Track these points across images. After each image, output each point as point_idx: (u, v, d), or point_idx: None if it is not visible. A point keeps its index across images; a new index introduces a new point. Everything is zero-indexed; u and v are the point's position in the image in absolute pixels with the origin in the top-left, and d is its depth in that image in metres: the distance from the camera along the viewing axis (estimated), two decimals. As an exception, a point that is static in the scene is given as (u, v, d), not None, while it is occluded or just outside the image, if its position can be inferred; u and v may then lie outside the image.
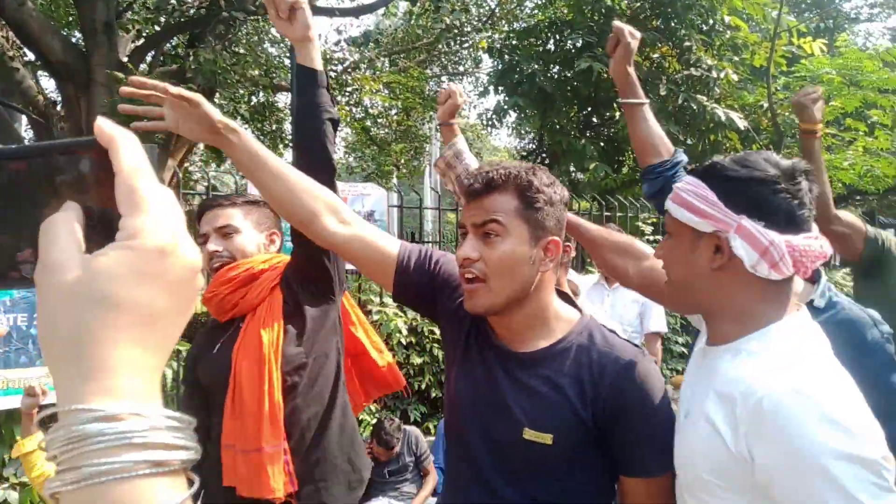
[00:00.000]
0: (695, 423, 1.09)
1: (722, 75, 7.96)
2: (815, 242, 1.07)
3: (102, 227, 0.44)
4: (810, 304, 1.71)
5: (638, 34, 1.70)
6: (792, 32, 8.59)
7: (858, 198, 9.51)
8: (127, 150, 0.44)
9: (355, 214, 1.42)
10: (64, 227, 0.43)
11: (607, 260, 1.55)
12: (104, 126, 0.44)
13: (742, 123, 7.90)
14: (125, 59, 7.33)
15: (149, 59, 8.86)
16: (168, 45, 9.26)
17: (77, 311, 0.41)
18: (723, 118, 7.81)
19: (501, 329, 1.33)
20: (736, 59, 8.80)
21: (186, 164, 9.51)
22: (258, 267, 1.84)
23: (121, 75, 6.81)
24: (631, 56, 1.67)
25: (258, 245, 1.91)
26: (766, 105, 8.59)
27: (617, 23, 1.69)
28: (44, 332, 0.42)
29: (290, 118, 7.35)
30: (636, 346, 1.31)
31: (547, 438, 1.21)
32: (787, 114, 8.73)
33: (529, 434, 1.23)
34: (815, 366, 1.00)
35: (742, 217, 1.06)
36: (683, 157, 1.73)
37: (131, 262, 0.42)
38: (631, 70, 1.70)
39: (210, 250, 1.86)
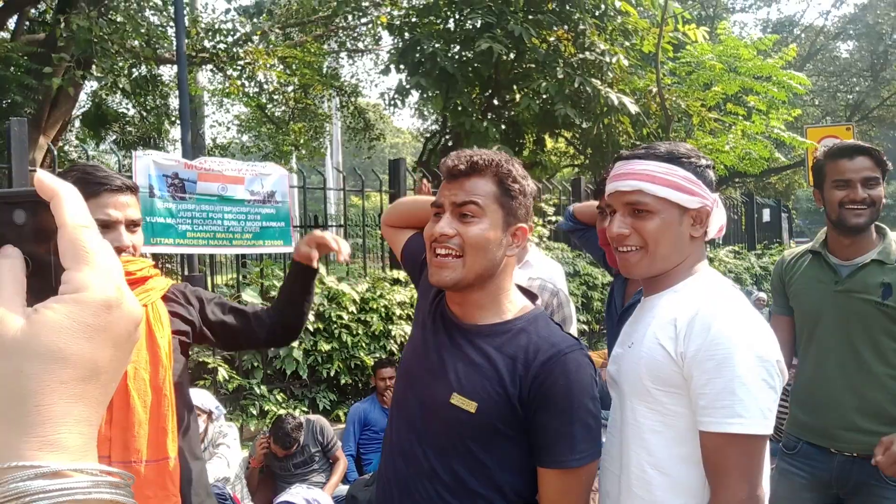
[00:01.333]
0: (639, 346, 1.33)
1: (614, 60, 8.21)
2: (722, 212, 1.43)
3: (39, 278, 0.45)
4: None
5: None
6: (678, 19, 9.00)
7: (738, 180, 10.21)
8: (70, 204, 0.44)
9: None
10: (7, 277, 0.43)
11: None
12: (45, 179, 0.44)
13: (633, 108, 8.21)
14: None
15: (12, 26, 7.99)
16: (34, 10, 8.39)
17: (18, 366, 0.40)
18: (615, 102, 8.08)
19: (456, 305, 1.40)
20: (627, 44, 9.11)
21: (61, 143, 8.71)
22: (150, 270, 1.67)
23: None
24: None
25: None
26: (654, 90, 8.98)
27: None
28: None
29: (178, 96, 6.86)
30: (577, 339, 1.35)
31: (471, 406, 1.27)
32: (674, 98, 9.17)
33: (456, 399, 1.28)
34: (732, 294, 1.33)
35: (714, 194, 1.37)
36: None
37: (77, 316, 0.42)
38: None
39: (124, 244, 1.60)
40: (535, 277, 2.46)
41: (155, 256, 5.05)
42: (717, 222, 1.37)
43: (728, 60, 9.04)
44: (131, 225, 1.62)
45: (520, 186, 1.34)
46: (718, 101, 9.30)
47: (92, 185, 1.54)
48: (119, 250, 1.57)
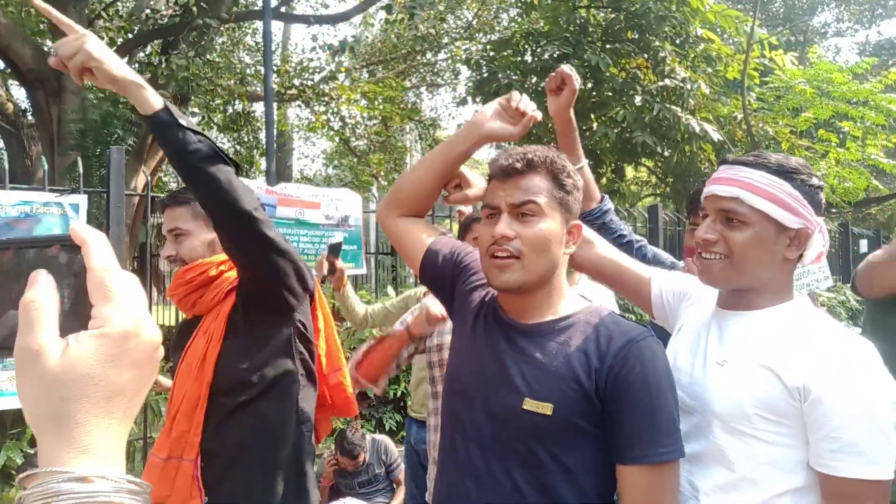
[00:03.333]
0: (738, 368, 1.24)
1: (695, 87, 8.03)
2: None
3: (72, 311, 0.53)
4: None
5: (579, 80, 1.74)
6: (764, 45, 8.73)
7: (833, 210, 9.64)
8: (98, 250, 0.53)
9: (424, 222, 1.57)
10: (44, 311, 0.51)
11: None
12: (78, 228, 0.54)
13: (716, 135, 7.98)
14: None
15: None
16: (142, 53, 9.16)
17: (58, 392, 0.49)
18: (697, 129, 7.88)
19: (512, 305, 1.34)
20: (710, 70, 8.90)
21: (161, 173, 9.38)
22: (214, 270, 1.75)
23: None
24: (572, 101, 1.72)
25: (209, 245, 1.79)
26: (740, 116, 8.70)
27: (564, 67, 1.70)
28: (29, 408, 0.50)
29: (265, 130, 7.29)
30: (645, 325, 1.29)
31: (547, 408, 1.20)
32: (761, 124, 8.85)
33: (529, 404, 1.21)
34: (850, 332, 1.27)
35: (820, 219, 1.29)
36: (610, 205, 1.93)
37: (101, 347, 0.51)
38: (572, 116, 1.76)
39: (165, 255, 1.82)
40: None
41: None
42: (817, 248, 1.28)
43: (820, 85, 8.66)
44: (176, 233, 1.79)
45: (573, 181, 1.30)
46: (809, 128, 8.88)
47: (160, 204, 1.84)
48: (167, 259, 1.79)
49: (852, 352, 1.18)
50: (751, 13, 8.21)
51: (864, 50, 19.13)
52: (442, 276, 1.49)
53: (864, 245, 10.37)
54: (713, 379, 1.27)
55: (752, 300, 1.29)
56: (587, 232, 1.53)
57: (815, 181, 1.27)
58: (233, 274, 1.76)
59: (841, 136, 9.04)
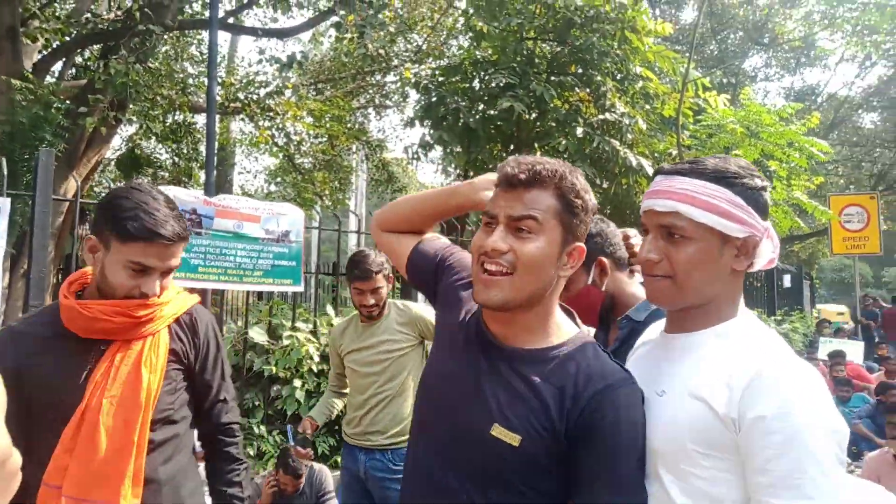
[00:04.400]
0: (677, 399, 1.15)
1: (633, 123, 8.33)
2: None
3: None
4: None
5: None
6: (698, 85, 9.15)
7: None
8: None
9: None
10: None
11: None
12: None
13: (650, 170, 8.28)
14: (29, 69, 6.92)
15: (58, 70, 8.42)
16: (80, 57, 8.84)
17: None
18: (633, 163, 8.16)
19: (497, 325, 1.28)
20: (648, 107, 9.26)
21: (92, 183, 9.01)
22: (164, 308, 1.64)
23: (21, 84, 6.42)
24: None
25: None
26: (675, 153, 9.06)
27: None
28: None
29: (206, 141, 7.12)
30: (628, 372, 1.24)
31: (514, 439, 1.16)
32: (694, 161, 9.22)
33: (497, 430, 1.17)
34: (789, 351, 1.15)
35: (767, 222, 1.19)
36: None
37: None
38: None
39: (152, 292, 1.58)
40: None
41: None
42: (767, 255, 1.19)
43: (749, 125, 9.13)
44: (168, 271, 1.62)
45: (582, 203, 1.23)
46: (739, 166, 9.32)
47: (147, 230, 1.53)
48: (144, 295, 1.58)
49: (788, 377, 1.08)
50: (686, 55, 8.60)
51: (790, 94, 20.33)
52: (425, 271, 1.47)
53: (787, 280, 10.91)
54: (651, 412, 1.19)
55: (695, 319, 1.21)
56: None
57: (757, 182, 1.18)
58: (173, 309, 1.67)
59: (768, 175, 9.54)
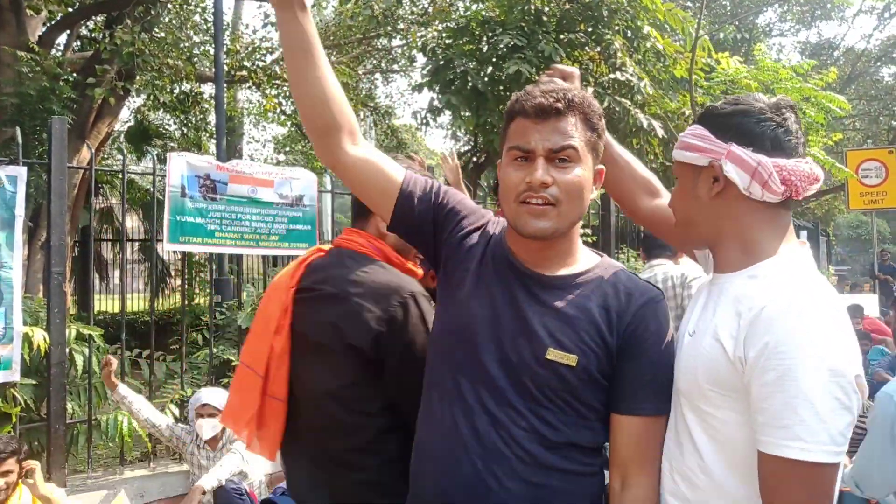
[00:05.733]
0: (700, 339, 1.17)
1: (642, 85, 8.18)
2: (804, 165, 1.15)
3: None
4: None
5: (578, 73, 1.64)
6: (707, 47, 8.95)
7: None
8: None
9: (366, 142, 1.39)
10: None
11: (625, 186, 1.58)
12: None
13: (661, 132, 8.16)
14: (34, 41, 6.88)
15: (63, 43, 8.37)
16: (85, 28, 8.78)
17: None
18: (644, 124, 8.04)
19: (530, 254, 1.29)
20: (660, 65, 9.09)
21: (104, 154, 9.02)
22: None
23: (27, 56, 6.39)
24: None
25: None
26: (687, 112, 8.91)
27: (561, 66, 1.62)
28: None
29: (215, 109, 7.07)
30: (658, 289, 1.33)
31: (571, 359, 1.21)
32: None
33: (553, 354, 1.21)
34: (814, 288, 1.09)
35: (731, 144, 1.15)
36: None
37: None
38: None
39: None
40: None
41: (184, 255, 5.17)
42: (742, 176, 1.13)
43: (764, 81, 8.94)
44: None
45: (602, 124, 1.28)
46: (753, 122, 9.16)
47: None
48: None
49: (791, 312, 1.04)
50: (697, 13, 8.41)
51: (806, 49, 19.89)
52: (421, 224, 1.37)
53: (803, 237, 10.83)
54: (682, 351, 1.23)
55: (728, 261, 1.20)
56: (657, 184, 1.56)
57: (726, 109, 1.18)
58: None
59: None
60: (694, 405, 1.17)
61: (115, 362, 3.37)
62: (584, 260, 1.32)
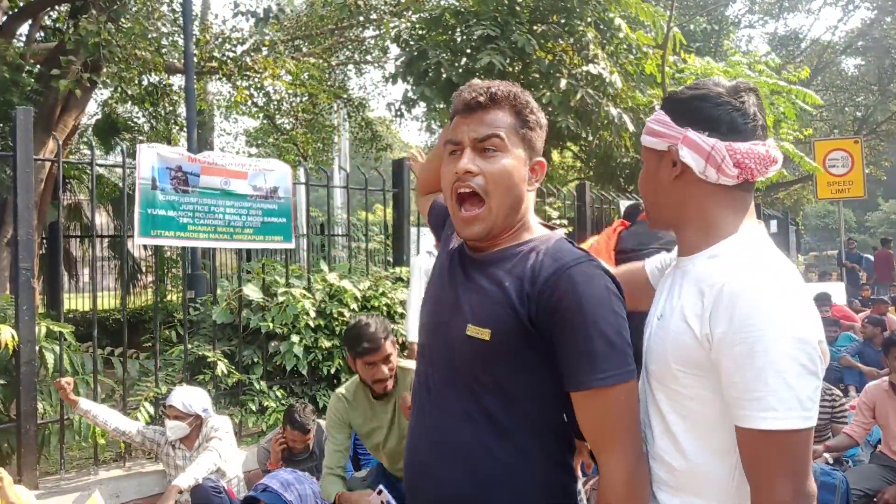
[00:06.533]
0: (667, 322, 1.18)
1: (613, 78, 8.21)
2: (760, 147, 1.17)
3: None
4: None
5: None
6: (676, 41, 9.02)
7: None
8: None
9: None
10: None
11: None
12: None
13: (631, 126, 8.22)
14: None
15: (25, 34, 8.12)
16: (49, 18, 8.53)
17: None
18: (615, 118, 8.09)
19: (478, 243, 1.34)
20: (631, 57, 9.14)
21: (70, 147, 8.79)
22: None
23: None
24: None
25: None
26: (658, 106, 8.98)
27: None
28: None
29: (185, 101, 6.93)
30: (587, 253, 1.25)
31: (485, 333, 1.22)
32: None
33: (471, 330, 1.23)
34: (771, 262, 1.13)
35: (687, 129, 1.18)
36: None
37: None
38: None
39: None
40: None
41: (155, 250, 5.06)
42: (697, 159, 1.16)
43: (735, 76, 9.06)
44: None
45: (535, 118, 1.30)
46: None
47: None
48: None
49: (751, 287, 1.07)
50: (668, 7, 8.47)
51: (773, 40, 20.19)
52: (439, 216, 1.61)
53: (773, 225, 11.01)
54: (651, 335, 1.25)
55: (689, 243, 1.23)
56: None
57: (685, 94, 1.21)
58: None
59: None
60: (665, 387, 1.19)
61: (67, 383, 3.23)
62: (525, 236, 1.31)
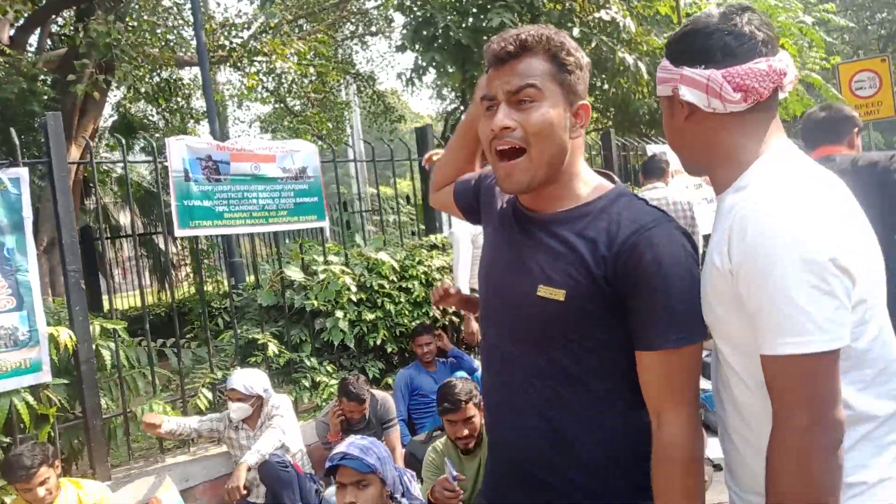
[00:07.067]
0: (707, 258, 1.16)
1: (627, 22, 8.00)
2: (761, 64, 1.12)
3: None
4: None
5: None
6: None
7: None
8: None
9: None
10: None
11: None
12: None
13: (645, 72, 8.02)
14: (6, 45, 6.70)
15: (35, 44, 8.17)
16: (56, 26, 8.56)
17: None
18: (630, 64, 7.91)
19: (529, 199, 1.31)
20: (644, 1, 8.89)
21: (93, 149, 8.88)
22: None
23: (1, 61, 6.23)
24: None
25: None
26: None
27: None
28: None
29: (203, 90, 6.94)
30: (664, 213, 1.23)
31: (559, 294, 1.19)
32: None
33: (543, 291, 1.21)
34: (787, 178, 1.09)
35: (682, 68, 1.16)
36: None
37: None
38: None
39: None
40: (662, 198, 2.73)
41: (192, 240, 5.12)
42: (698, 97, 1.14)
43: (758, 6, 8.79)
44: None
45: (574, 59, 1.22)
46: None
47: None
48: None
49: (759, 213, 1.05)
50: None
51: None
52: (467, 193, 1.54)
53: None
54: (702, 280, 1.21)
55: (718, 179, 1.20)
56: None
57: (678, 34, 1.20)
58: None
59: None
60: (714, 327, 1.17)
61: (157, 419, 3.35)
62: (588, 192, 1.27)
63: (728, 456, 1.24)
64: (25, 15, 7.61)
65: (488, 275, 1.37)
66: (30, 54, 7.67)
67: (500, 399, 1.33)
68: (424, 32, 8.59)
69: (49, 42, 8.67)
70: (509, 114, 1.19)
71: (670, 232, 1.18)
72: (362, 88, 11.49)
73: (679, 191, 5.29)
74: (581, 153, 1.29)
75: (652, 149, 7.38)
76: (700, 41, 1.15)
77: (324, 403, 4.00)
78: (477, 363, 4.32)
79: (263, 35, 8.39)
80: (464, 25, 8.56)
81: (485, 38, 8.82)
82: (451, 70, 9.26)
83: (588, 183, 1.28)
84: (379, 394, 3.79)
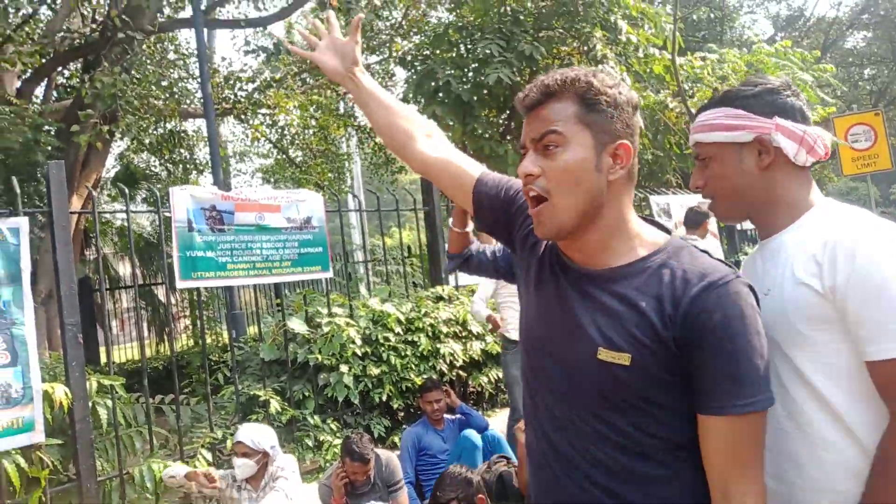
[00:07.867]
0: (782, 291, 1.25)
1: (624, 77, 8.14)
2: (823, 131, 1.32)
3: None
4: None
5: None
6: (677, 46, 8.94)
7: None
8: None
9: (446, 140, 1.51)
10: None
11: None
12: None
13: (640, 124, 8.12)
14: (13, 95, 6.74)
15: (41, 95, 8.24)
16: (62, 77, 8.65)
17: None
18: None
19: (572, 251, 1.23)
20: (640, 55, 9.07)
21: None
22: None
23: (6, 109, 6.25)
24: None
25: None
26: (671, 104, 8.88)
27: None
28: None
29: (208, 140, 6.95)
30: (732, 266, 1.16)
31: (624, 358, 1.11)
32: (696, 101, 9.07)
33: (604, 354, 1.13)
34: (866, 214, 1.25)
35: (775, 118, 1.29)
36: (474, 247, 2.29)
37: None
38: None
39: None
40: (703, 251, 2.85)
41: (191, 291, 5.02)
42: (790, 144, 1.27)
43: (752, 62, 8.98)
44: None
45: (607, 98, 1.16)
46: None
47: None
48: None
49: (866, 237, 1.18)
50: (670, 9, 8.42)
51: (777, 22, 20.05)
52: (496, 217, 1.41)
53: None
54: (763, 310, 1.19)
55: (773, 222, 1.33)
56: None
57: (754, 90, 1.32)
58: None
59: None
60: (798, 348, 1.23)
61: (214, 472, 3.19)
62: (642, 245, 1.19)
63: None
64: (33, 67, 7.70)
65: (533, 330, 1.29)
66: (35, 105, 7.71)
67: (548, 463, 1.24)
68: (426, 87, 8.71)
69: (55, 93, 8.75)
70: (535, 160, 1.18)
71: (740, 290, 1.11)
72: (364, 140, 11.58)
73: (716, 245, 5.25)
74: (627, 197, 1.21)
75: (656, 199, 7.38)
76: (783, 99, 1.31)
77: (327, 464, 3.83)
78: (486, 419, 4.16)
79: (268, 90, 8.48)
80: (464, 80, 8.68)
81: (485, 92, 8.95)
82: (451, 123, 9.37)
83: (641, 233, 1.21)
84: (384, 453, 3.61)
